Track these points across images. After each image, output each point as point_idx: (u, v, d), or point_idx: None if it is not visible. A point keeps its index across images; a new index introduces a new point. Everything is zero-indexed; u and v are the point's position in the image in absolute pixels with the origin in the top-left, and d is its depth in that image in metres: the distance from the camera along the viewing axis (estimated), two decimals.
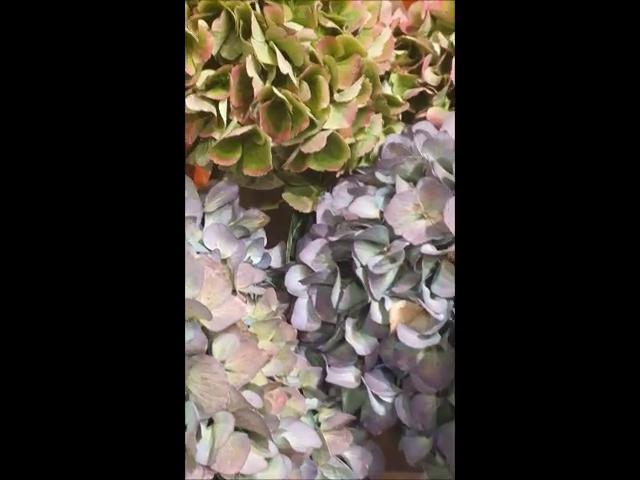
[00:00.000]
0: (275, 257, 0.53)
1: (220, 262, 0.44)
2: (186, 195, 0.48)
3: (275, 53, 0.45)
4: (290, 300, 0.49)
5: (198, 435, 0.37)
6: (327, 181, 0.54)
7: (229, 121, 0.46)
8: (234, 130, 0.46)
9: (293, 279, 0.48)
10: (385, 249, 0.44)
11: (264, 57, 0.45)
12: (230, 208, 0.50)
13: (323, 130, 0.47)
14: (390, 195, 0.45)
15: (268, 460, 0.39)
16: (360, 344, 0.45)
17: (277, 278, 0.53)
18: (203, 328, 0.39)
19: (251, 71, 0.45)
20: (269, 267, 0.52)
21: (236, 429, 0.38)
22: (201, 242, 0.46)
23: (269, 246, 0.53)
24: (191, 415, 0.37)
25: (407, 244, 0.43)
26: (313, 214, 0.53)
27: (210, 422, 0.38)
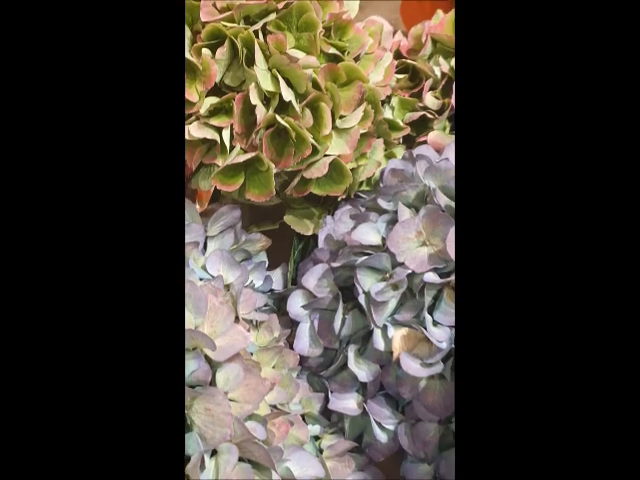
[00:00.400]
0: (277, 279, 0.53)
1: (223, 288, 0.44)
2: (189, 220, 0.49)
3: (278, 81, 0.45)
4: (292, 324, 0.49)
5: (202, 466, 0.37)
6: (328, 203, 0.54)
7: (232, 147, 0.46)
8: (237, 157, 0.46)
9: (295, 304, 0.48)
10: (387, 276, 0.44)
11: (267, 85, 0.45)
12: (232, 232, 0.50)
13: (325, 156, 0.47)
14: (392, 222, 0.45)
15: None
16: (362, 371, 0.45)
17: (279, 301, 0.53)
18: (207, 358, 0.39)
19: (254, 99, 0.45)
20: (271, 290, 0.53)
21: (240, 459, 0.38)
22: (204, 268, 0.46)
23: (269, 267, 0.53)
24: (195, 446, 0.37)
25: (409, 271, 0.43)
26: (314, 236, 0.53)
27: (214, 453, 0.38)
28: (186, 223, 0.48)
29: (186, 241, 0.47)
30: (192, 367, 0.38)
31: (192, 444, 0.37)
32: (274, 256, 0.54)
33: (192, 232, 0.48)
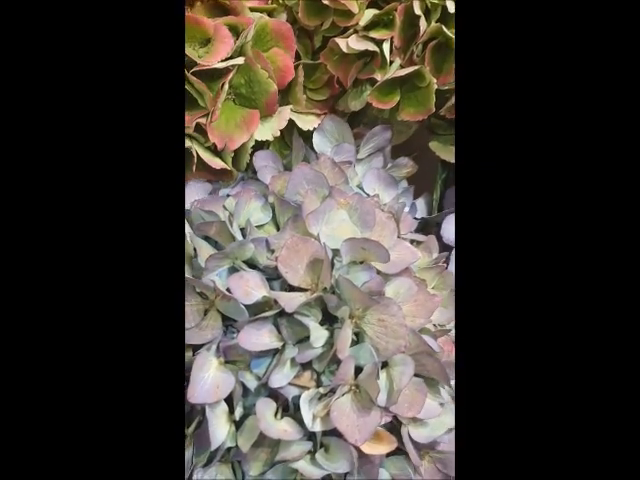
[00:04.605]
0: (420, 208, 0.52)
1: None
2: (339, 139, 0.48)
3: None
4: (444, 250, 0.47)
5: (377, 377, 0.36)
6: None
7: (391, 62, 0.45)
8: (398, 70, 0.44)
9: (450, 229, 0.46)
10: None
11: None
12: (381, 155, 0.49)
13: None
14: None
15: (442, 405, 0.38)
16: None
17: (420, 230, 0.51)
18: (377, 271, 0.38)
19: (418, 9, 0.43)
20: (415, 217, 0.51)
21: None
22: (360, 187, 0.45)
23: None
24: (367, 356, 0.36)
25: None
26: None
27: (383, 365, 0.37)
28: (337, 143, 0.47)
29: (339, 160, 0.46)
30: (363, 278, 0.37)
31: (364, 354, 0.37)
32: (413, 184, 0.53)
33: (344, 152, 0.47)
